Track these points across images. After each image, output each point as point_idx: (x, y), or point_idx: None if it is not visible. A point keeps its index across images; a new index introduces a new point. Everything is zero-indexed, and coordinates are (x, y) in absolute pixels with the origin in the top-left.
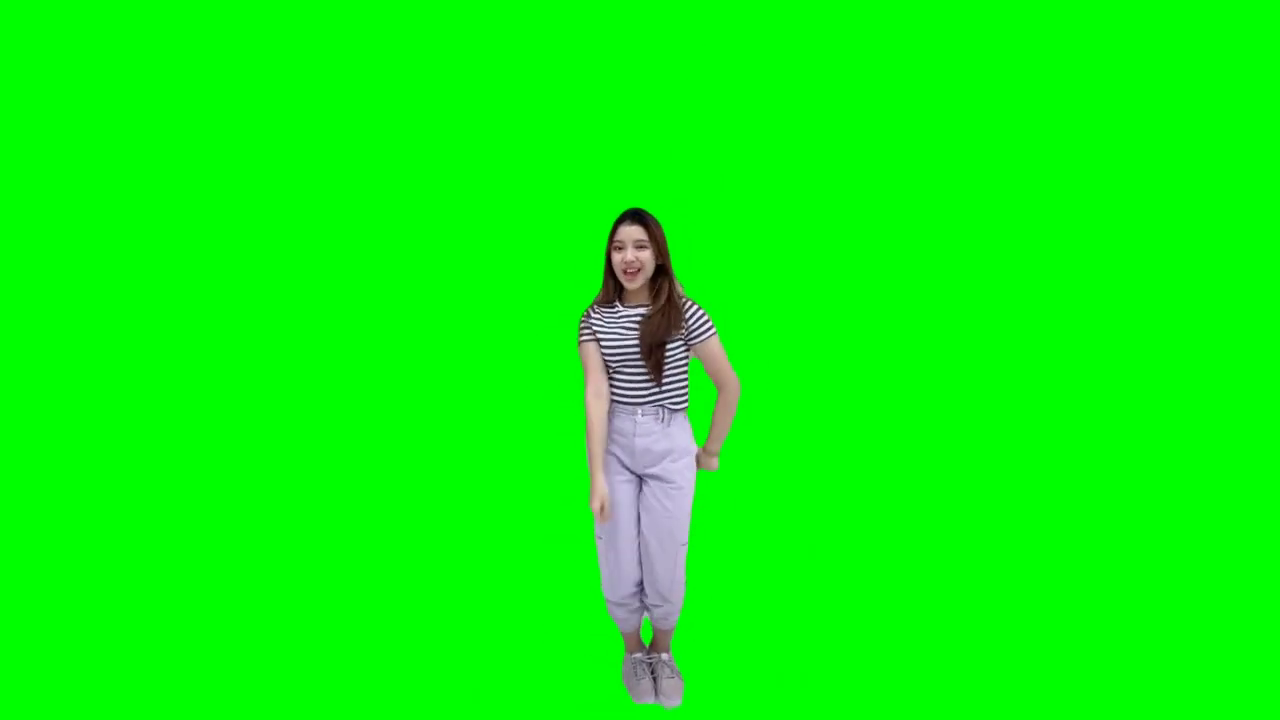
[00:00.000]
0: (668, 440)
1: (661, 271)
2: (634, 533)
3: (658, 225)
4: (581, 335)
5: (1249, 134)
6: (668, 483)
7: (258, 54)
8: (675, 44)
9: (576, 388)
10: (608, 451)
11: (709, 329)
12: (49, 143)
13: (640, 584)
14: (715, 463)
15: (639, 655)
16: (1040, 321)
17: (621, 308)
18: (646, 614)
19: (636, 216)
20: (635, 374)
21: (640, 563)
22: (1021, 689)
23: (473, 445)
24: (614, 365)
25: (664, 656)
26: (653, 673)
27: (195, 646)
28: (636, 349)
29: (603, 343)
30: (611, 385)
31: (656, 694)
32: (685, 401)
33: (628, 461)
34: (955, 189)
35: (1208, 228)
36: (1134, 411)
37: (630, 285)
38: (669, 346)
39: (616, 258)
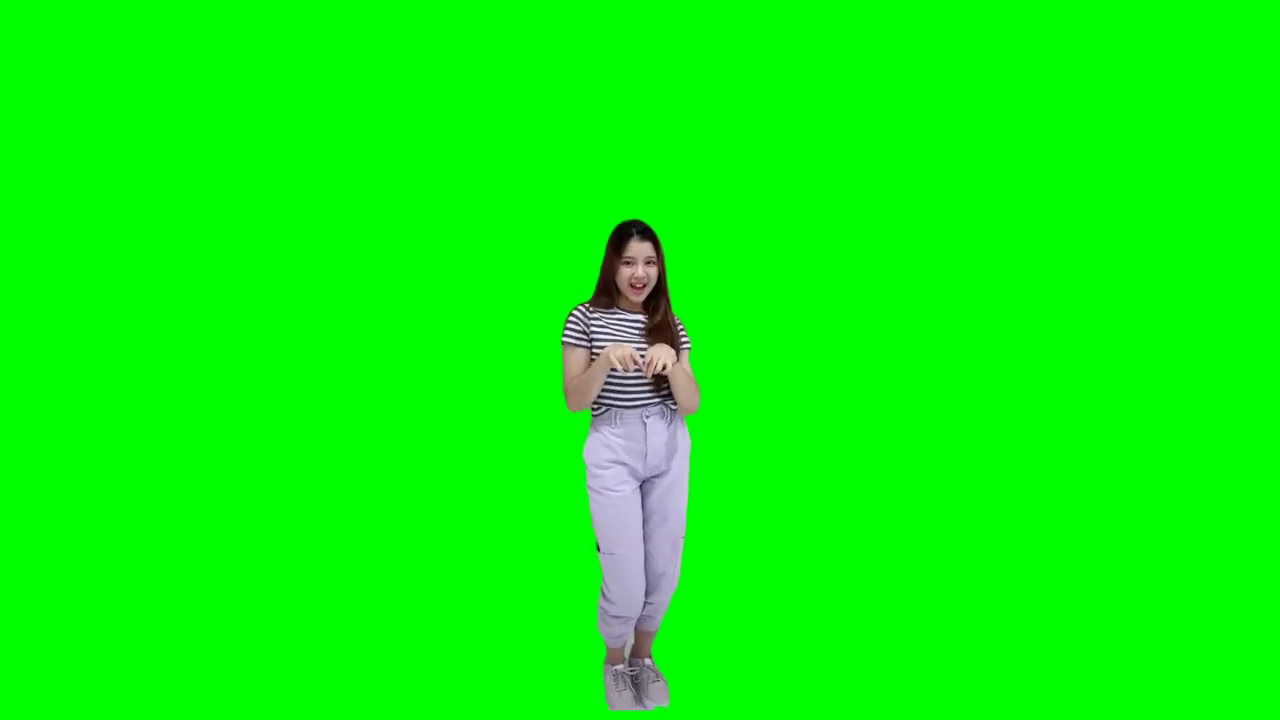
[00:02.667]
0: (674, 440)
1: (658, 289)
2: (642, 543)
3: (659, 241)
4: (569, 335)
5: (1247, 134)
6: (674, 480)
7: (256, 57)
8: (657, 48)
9: (557, 394)
10: (615, 463)
11: (686, 344)
12: (49, 144)
13: (648, 594)
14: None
15: (620, 667)
16: (1032, 325)
17: (620, 311)
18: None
19: (644, 232)
20: (639, 378)
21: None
22: (1007, 696)
23: (461, 450)
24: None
25: (646, 662)
26: (635, 681)
27: (181, 642)
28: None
29: (603, 344)
30: (615, 390)
31: (643, 699)
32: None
33: (639, 468)
34: (942, 192)
35: (1204, 228)
36: (1127, 410)
37: (638, 299)
38: None
39: (626, 272)
